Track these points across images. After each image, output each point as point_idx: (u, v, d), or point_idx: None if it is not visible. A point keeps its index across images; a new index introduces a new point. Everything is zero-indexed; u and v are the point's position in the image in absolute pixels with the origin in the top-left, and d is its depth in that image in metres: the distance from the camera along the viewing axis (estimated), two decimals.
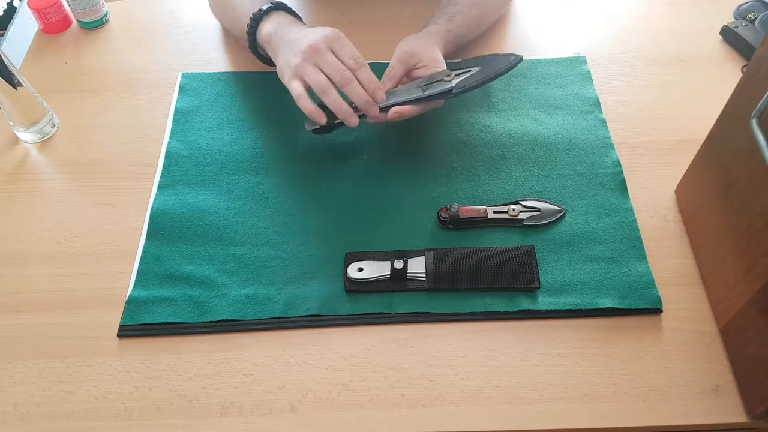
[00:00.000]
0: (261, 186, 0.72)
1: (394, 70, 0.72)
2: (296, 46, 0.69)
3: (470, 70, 0.70)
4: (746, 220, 0.54)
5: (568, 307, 0.61)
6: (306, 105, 0.69)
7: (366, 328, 0.61)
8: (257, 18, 0.75)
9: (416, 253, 0.65)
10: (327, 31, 0.69)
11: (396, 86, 0.73)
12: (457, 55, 0.81)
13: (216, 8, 0.88)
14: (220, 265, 0.66)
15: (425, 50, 0.73)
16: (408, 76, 0.74)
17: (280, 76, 0.71)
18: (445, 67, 0.72)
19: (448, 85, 0.68)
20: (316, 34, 0.69)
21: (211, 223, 0.69)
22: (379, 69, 0.82)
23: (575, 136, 0.75)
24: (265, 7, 0.75)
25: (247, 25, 0.76)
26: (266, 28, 0.74)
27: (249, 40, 0.77)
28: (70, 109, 0.82)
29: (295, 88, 0.69)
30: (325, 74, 0.68)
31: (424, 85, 0.70)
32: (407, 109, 0.69)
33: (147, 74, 0.86)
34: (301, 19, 0.78)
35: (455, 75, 0.70)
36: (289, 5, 0.77)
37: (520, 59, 0.70)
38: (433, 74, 0.71)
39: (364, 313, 0.62)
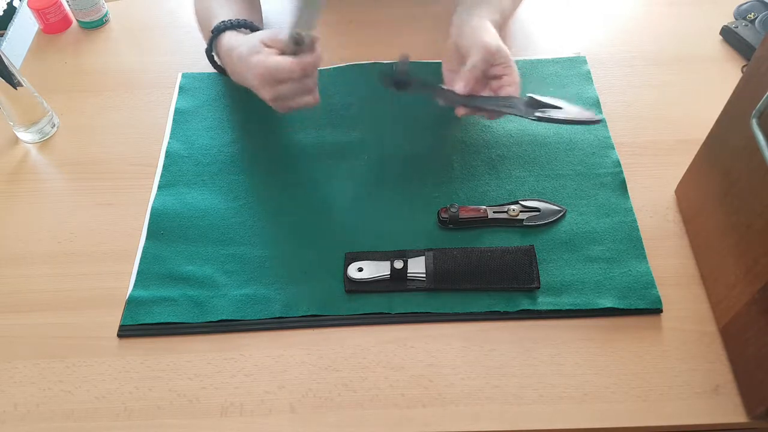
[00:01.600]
0: (261, 186, 0.72)
1: (479, 68, 0.68)
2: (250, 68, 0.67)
3: (552, 108, 0.68)
4: (746, 220, 0.54)
5: (568, 307, 0.61)
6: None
7: (366, 328, 0.61)
8: (217, 32, 0.73)
9: (416, 253, 0.65)
10: (256, 71, 0.66)
11: (475, 84, 0.69)
12: None
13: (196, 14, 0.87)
14: (220, 265, 0.66)
15: (502, 46, 0.69)
16: (485, 74, 0.70)
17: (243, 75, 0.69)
18: (514, 63, 0.69)
19: (530, 115, 0.67)
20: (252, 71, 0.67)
21: (211, 223, 0.69)
22: (379, 69, 0.83)
23: (575, 136, 0.75)
24: (225, 22, 0.72)
25: (211, 31, 0.74)
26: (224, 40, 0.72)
27: (207, 52, 0.76)
28: (70, 109, 0.82)
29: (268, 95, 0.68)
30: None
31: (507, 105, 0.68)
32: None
33: (147, 74, 0.86)
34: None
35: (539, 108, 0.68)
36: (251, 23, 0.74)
37: (598, 122, 0.68)
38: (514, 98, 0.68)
39: (364, 313, 0.62)
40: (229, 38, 0.71)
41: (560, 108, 0.68)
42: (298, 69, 0.65)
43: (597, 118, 0.68)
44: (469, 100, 0.68)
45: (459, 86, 0.68)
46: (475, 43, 0.69)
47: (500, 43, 0.69)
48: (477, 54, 0.68)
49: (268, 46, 0.66)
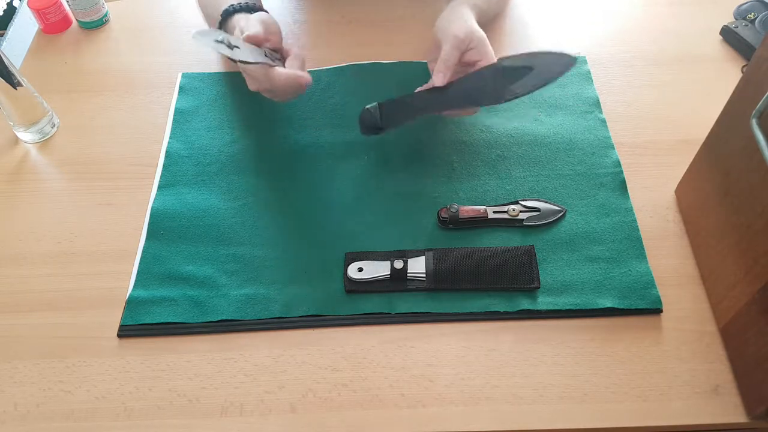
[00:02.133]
0: (261, 186, 0.72)
1: (452, 59, 0.68)
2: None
3: (522, 71, 0.67)
4: (746, 220, 0.54)
5: (568, 307, 0.61)
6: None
7: (366, 328, 0.61)
8: (226, 15, 0.74)
9: (416, 253, 0.65)
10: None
11: (453, 74, 0.69)
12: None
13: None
14: (220, 265, 0.66)
15: (474, 30, 0.69)
16: (460, 60, 0.70)
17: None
18: (489, 46, 0.69)
19: (497, 99, 0.67)
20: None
21: (211, 223, 0.69)
22: (379, 69, 0.83)
23: (575, 136, 0.75)
24: (233, 5, 0.74)
25: (218, 22, 0.75)
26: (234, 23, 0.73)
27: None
28: (70, 109, 0.82)
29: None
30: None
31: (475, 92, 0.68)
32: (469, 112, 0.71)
33: (147, 74, 0.86)
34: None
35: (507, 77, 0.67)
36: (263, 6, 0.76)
37: (574, 61, 0.67)
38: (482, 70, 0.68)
39: (364, 313, 0.62)
40: (238, 20, 0.72)
41: (531, 70, 0.66)
42: (263, 78, 0.67)
43: (568, 60, 0.67)
44: (443, 93, 0.68)
45: (436, 79, 0.68)
46: (445, 33, 0.69)
47: (471, 28, 0.69)
48: (447, 44, 0.68)
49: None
